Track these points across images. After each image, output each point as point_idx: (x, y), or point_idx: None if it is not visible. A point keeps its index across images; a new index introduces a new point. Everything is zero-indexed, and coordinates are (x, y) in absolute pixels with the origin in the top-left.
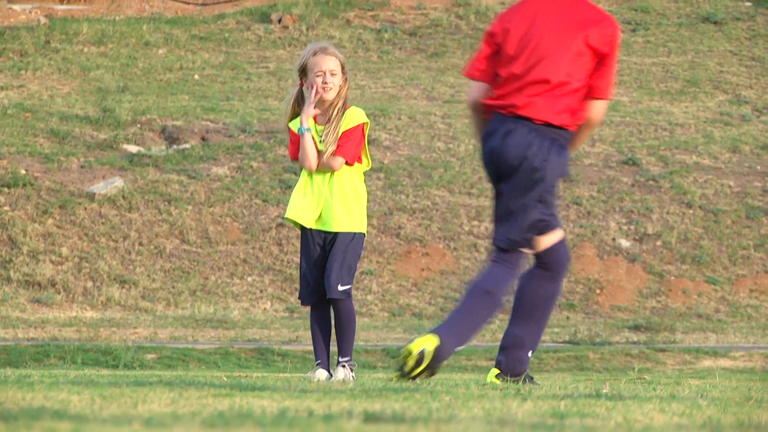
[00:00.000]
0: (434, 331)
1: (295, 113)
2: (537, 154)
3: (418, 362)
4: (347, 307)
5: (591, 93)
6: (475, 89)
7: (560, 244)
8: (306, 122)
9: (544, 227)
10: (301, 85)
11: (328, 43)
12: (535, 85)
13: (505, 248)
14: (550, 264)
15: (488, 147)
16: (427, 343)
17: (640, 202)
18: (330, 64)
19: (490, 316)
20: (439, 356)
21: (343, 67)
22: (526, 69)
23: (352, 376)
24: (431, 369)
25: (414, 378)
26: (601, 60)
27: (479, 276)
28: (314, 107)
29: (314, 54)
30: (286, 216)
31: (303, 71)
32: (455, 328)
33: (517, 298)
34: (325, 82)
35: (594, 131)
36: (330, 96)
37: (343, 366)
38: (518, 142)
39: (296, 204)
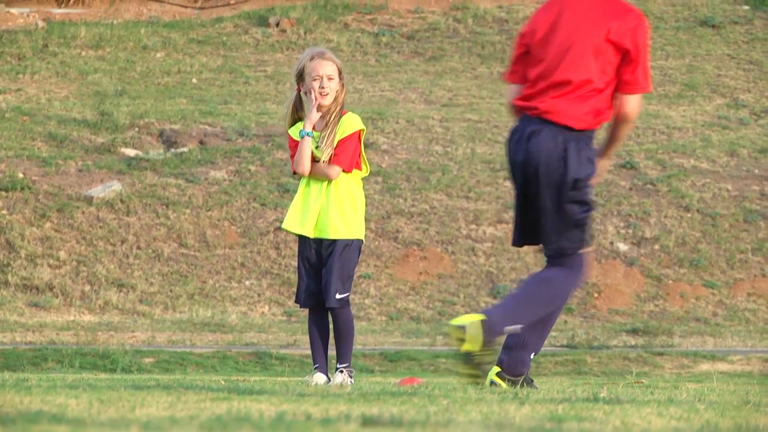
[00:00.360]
0: (481, 311)
1: (294, 119)
2: (557, 155)
3: (461, 339)
4: (345, 315)
5: (621, 88)
6: (510, 92)
7: (584, 255)
8: (309, 127)
9: (583, 225)
10: (299, 90)
11: (325, 48)
12: (558, 87)
13: (556, 256)
14: (567, 269)
15: (512, 148)
16: (469, 319)
17: (638, 205)
18: (327, 68)
19: (549, 306)
20: (487, 330)
21: (340, 72)
22: (549, 70)
23: (351, 382)
24: (483, 344)
25: (474, 358)
26: (626, 54)
27: (545, 273)
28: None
29: (311, 59)
30: (282, 227)
31: (300, 76)
32: (504, 308)
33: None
34: (322, 87)
35: (632, 126)
36: (327, 101)
37: (341, 372)
38: (540, 144)
39: (293, 213)
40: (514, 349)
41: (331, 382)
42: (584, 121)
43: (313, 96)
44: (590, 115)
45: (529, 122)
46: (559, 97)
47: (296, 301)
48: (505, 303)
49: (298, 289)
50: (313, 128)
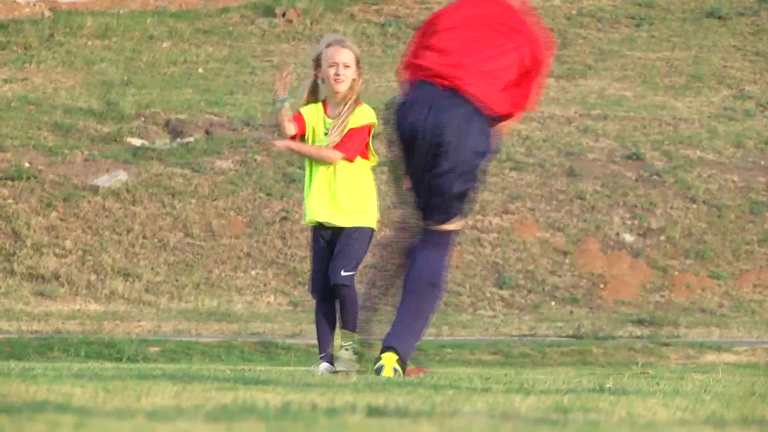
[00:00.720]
0: (390, 347)
1: (308, 101)
2: (473, 136)
3: (398, 375)
4: (350, 294)
5: (516, 104)
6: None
7: (453, 233)
8: (279, 93)
9: (466, 210)
10: (316, 75)
11: (345, 36)
12: (471, 67)
13: (434, 227)
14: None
15: (414, 120)
16: (392, 362)
17: (644, 196)
18: (344, 56)
19: (436, 306)
20: (404, 362)
21: (357, 61)
22: (459, 50)
23: (356, 360)
24: (404, 370)
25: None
26: (527, 72)
27: (416, 268)
28: (326, 99)
29: (329, 45)
30: (305, 221)
31: (317, 62)
32: (407, 332)
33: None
34: (338, 74)
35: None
36: (342, 88)
37: (347, 349)
38: (454, 121)
39: (309, 206)
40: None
41: (335, 362)
42: (498, 105)
43: (325, 76)
44: (502, 102)
45: (435, 91)
46: (474, 73)
47: (310, 292)
48: (403, 325)
49: (310, 278)
50: (327, 115)
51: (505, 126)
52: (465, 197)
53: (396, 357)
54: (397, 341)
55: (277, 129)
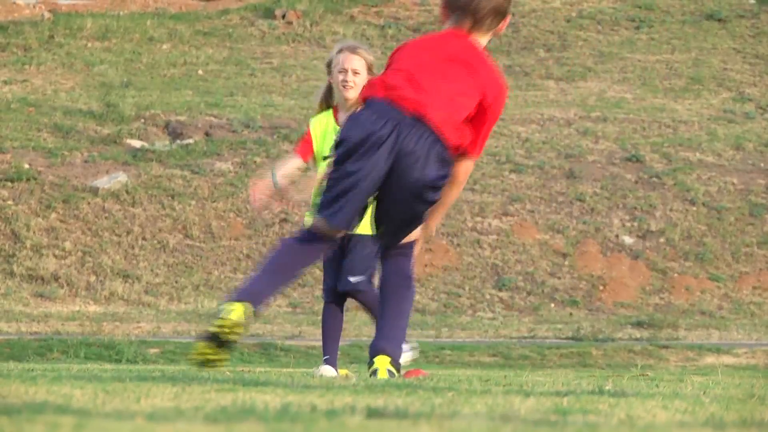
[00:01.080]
0: (380, 350)
1: (323, 108)
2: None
3: (394, 376)
4: (367, 298)
5: (468, 148)
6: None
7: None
8: (277, 179)
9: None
10: (329, 81)
11: (359, 42)
12: (432, 98)
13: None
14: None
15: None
16: (385, 364)
17: (644, 199)
18: (354, 63)
19: (412, 303)
20: (397, 363)
21: (369, 68)
22: (422, 82)
23: (410, 354)
24: (398, 370)
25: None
26: (481, 118)
27: (385, 275)
28: (337, 105)
29: (340, 51)
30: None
31: (330, 68)
32: (394, 334)
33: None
34: (346, 81)
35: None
36: (350, 95)
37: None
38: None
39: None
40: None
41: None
42: (456, 139)
43: (334, 81)
44: (459, 139)
45: (399, 115)
46: (432, 104)
47: (324, 296)
48: (388, 328)
49: (324, 283)
50: (337, 122)
51: (462, 173)
52: (418, 220)
53: (388, 359)
54: (385, 343)
55: (275, 131)
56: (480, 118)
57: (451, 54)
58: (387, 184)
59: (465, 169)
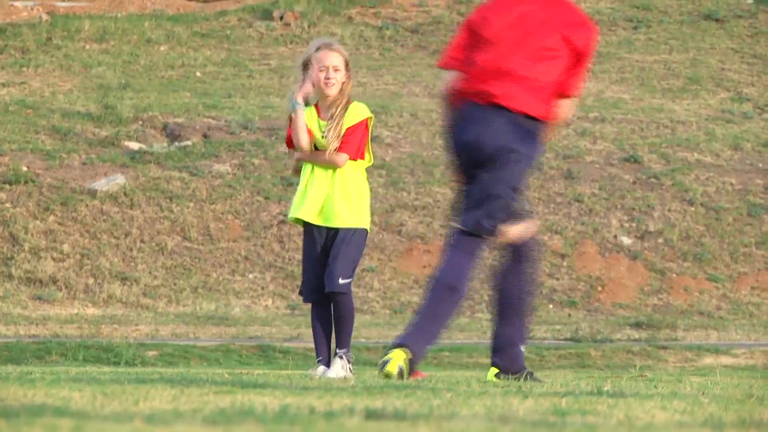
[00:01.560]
0: (401, 343)
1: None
2: (516, 143)
3: (402, 377)
4: (347, 302)
5: (561, 90)
6: (450, 78)
7: (531, 235)
8: (299, 97)
9: (515, 214)
10: (302, 79)
11: (332, 39)
12: (512, 76)
13: (470, 232)
14: (522, 256)
15: (463, 135)
16: (400, 358)
17: (642, 199)
18: (333, 59)
19: (455, 310)
20: (414, 364)
21: (347, 64)
22: (502, 59)
23: (350, 368)
24: (410, 374)
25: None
26: (577, 60)
27: (441, 270)
28: (317, 103)
29: (317, 49)
30: (289, 217)
31: (306, 67)
32: (422, 333)
33: (496, 297)
34: (328, 78)
35: (558, 129)
36: (332, 92)
37: (341, 357)
38: (496, 131)
39: (298, 203)
40: (502, 350)
41: (330, 368)
42: (538, 109)
43: (307, 75)
44: (543, 106)
45: (479, 109)
46: (513, 85)
47: (300, 295)
48: (419, 325)
49: (302, 283)
50: (320, 117)
51: (563, 112)
52: (502, 206)
53: (405, 355)
54: (411, 340)
55: (274, 133)
56: (577, 63)
57: (529, 18)
58: (478, 167)
59: (564, 109)
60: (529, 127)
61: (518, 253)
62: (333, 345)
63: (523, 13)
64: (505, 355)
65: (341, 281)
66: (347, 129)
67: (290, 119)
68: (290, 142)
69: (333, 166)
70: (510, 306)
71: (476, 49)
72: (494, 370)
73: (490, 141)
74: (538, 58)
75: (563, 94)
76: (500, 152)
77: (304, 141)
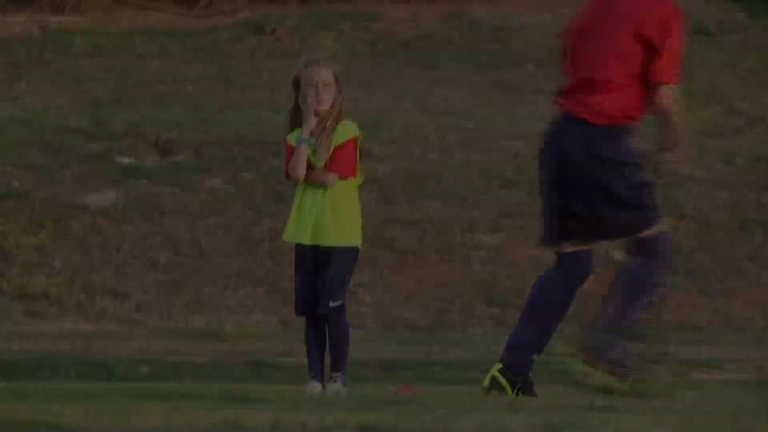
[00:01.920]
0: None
1: (293, 126)
2: (584, 151)
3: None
4: (341, 322)
5: (651, 77)
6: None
7: (589, 253)
8: (306, 133)
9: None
10: (296, 97)
11: (321, 54)
12: (586, 85)
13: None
14: (572, 270)
15: (545, 146)
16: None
17: None
18: (323, 76)
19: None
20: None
21: (336, 79)
22: (577, 67)
23: (344, 391)
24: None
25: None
26: (652, 46)
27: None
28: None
29: (306, 66)
30: (283, 239)
31: (296, 84)
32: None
33: (531, 300)
34: (318, 95)
35: (677, 117)
36: (323, 108)
37: (335, 381)
38: (566, 141)
39: (291, 223)
40: (515, 350)
41: (326, 391)
42: (607, 116)
43: (309, 102)
44: (614, 111)
45: (558, 120)
46: (587, 96)
47: (295, 311)
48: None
49: (295, 299)
50: (311, 134)
51: (664, 100)
52: (626, 210)
53: (500, 365)
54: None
55: (266, 147)
56: (654, 51)
57: (604, 22)
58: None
59: (661, 97)
60: (603, 133)
61: (571, 266)
62: (328, 362)
63: (594, 13)
64: (516, 356)
65: (332, 304)
66: (335, 147)
67: (288, 151)
68: (288, 174)
69: (322, 185)
70: (542, 313)
71: (566, 59)
72: (499, 365)
73: (566, 155)
74: (604, 59)
75: (654, 82)
76: (582, 167)
77: (301, 174)
